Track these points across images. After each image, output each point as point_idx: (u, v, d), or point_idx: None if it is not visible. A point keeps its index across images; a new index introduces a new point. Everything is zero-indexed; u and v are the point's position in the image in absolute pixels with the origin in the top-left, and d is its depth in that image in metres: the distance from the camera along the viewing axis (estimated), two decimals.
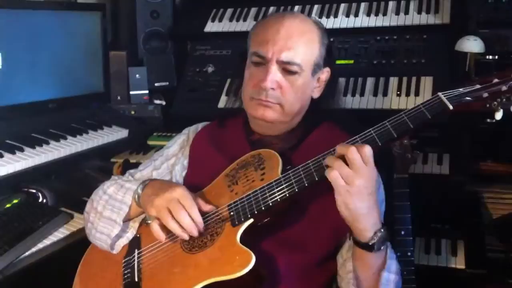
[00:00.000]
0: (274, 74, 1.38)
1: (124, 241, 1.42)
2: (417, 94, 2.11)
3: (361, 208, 1.17)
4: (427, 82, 2.14)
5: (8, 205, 1.82)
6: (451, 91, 1.21)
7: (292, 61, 1.38)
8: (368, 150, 1.17)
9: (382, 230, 1.21)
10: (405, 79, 2.18)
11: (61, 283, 1.53)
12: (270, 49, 1.38)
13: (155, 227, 1.30)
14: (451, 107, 1.18)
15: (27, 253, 1.64)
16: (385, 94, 2.15)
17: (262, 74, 1.39)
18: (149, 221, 1.30)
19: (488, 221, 2.03)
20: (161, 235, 1.30)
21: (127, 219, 1.44)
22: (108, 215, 1.42)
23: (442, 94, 1.20)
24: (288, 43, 1.38)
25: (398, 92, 2.14)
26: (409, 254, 1.70)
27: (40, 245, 1.69)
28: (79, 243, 1.66)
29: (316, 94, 1.48)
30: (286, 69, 1.39)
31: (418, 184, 1.87)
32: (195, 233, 1.27)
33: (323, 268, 1.37)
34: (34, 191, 1.93)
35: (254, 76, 1.42)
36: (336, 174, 1.16)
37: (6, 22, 2.00)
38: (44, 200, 1.93)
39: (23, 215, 1.77)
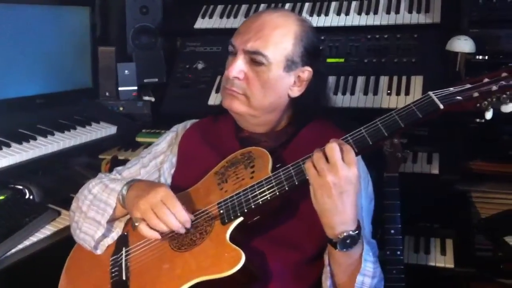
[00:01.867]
0: (239, 63, 1.39)
1: (109, 241, 1.41)
2: (407, 93, 2.11)
3: (328, 203, 1.16)
4: (417, 82, 2.14)
5: None
6: (441, 90, 1.21)
7: (257, 51, 1.37)
8: (350, 149, 1.17)
9: (352, 232, 1.19)
10: (395, 78, 2.18)
11: (48, 280, 1.50)
12: (239, 39, 1.39)
13: (145, 229, 1.28)
14: (441, 106, 1.18)
15: (13, 251, 1.62)
16: (375, 93, 2.15)
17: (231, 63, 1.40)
18: (136, 224, 1.29)
19: (477, 220, 2.03)
20: (154, 234, 1.29)
21: (112, 219, 1.42)
22: (92, 216, 1.41)
23: (433, 93, 1.20)
24: (257, 34, 1.38)
25: (389, 91, 2.14)
26: (398, 253, 1.71)
27: (26, 242, 1.67)
28: (66, 240, 1.63)
29: (295, 93, 1.44)
30: (253, 59, 1.38)
31: (408, 183, 1.87)
32: (182, 231, 1.27)
33: (315, 266, 1.36)
34: (21, 187, 1.90)
35: (227, 66, 1.43)
36: (309, 164, 1.18)
37: None
38: (31, 197, 1.90)
39: (9, 212, 1.74)
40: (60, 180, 2.08)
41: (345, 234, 1.19)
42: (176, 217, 1.26)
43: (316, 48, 1.47)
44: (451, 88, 1.21)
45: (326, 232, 1.22)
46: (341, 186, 1.16)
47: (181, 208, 1.28)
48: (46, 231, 1.74)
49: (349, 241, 1.20)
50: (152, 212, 1.27)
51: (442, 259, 1.91)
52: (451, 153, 2.02)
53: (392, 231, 1.72)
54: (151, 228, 1.28)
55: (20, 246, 1.64)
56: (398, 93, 2.12)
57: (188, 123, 1.61)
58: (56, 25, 2.26)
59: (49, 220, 1.79)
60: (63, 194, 1.96)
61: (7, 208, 1.77)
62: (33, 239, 1.69)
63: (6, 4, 2.05)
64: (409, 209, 1.77)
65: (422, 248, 1.97)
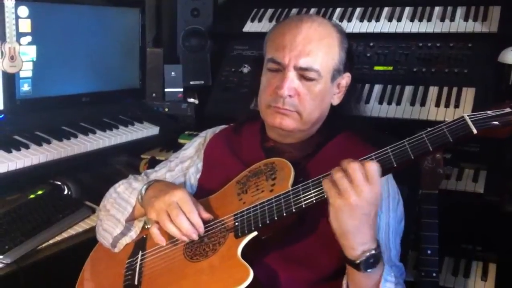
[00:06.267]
0: (292, 81, 1.33)
1: (127, 239, 1.41)
2: (457, 106, 2.00)
3: (351, 225, 1.11)
4: (468, 94, 2.02)
5: (31, 196, 1.86)
6: (478, 113, 1.12)
7: (310, 67, 1.32)
8: (372, 167, 1.10)
9: (374, 251, 1.13)
10: (445, 89, 2.07)
11: (76, 277, 1.52)
12: (287, 55, 1.32)
13: (155, 231, 1.28)
14: (475, 131, 1.09)
15: (43, 245, 1.67)
16: (423, 104, 2.05)
17: (279, 81, 1.34)
18: (148, 225, 1.28)
19: None
20: (160, 239, 1.28)
21: (131, 219, 1.43)
22: (114, 213, 1.43)
23: (468, 116, 1.11)
24: (306, 48, 1.32)
25: (437, 103, 2.03)
26: (433, 274, 1.63)
27: (58, 238, 1.71)
28: (96, 239, 1.66)
29: (336, 101, 1.42)
30: (304, 75, 1.33)
31: (452, 201, 1.77)
32: (194, 237, 1.25)
33: (330, 285, 1.30)
34: (59, 183, 1.96)
35: (270, 83, 1.37)
36: (329, 185, 1.11)
37: (43, 16, 2.04)
38: (69, 193, 1.96)
39: (44, 207, 1.80)
40: (100, 177, 2.13)
41: (367, 254, 1.13)
42: (190, 221, 1.25)
43: (352, 52, 1.44)
44: (489, 112, 1.11)
45: (347, 254, 1.15)
46: (363, 207, 1.10)
47: (196, 213, 1.26)
48: (79, 228, 1.79)
49: (372, 261, 1.14)
50: (166, 213, 1.26)
51: (481, 285, 1.79)
52: (501, 171, 1.90)
53: (429, 252, 1.64)
54: (165, 230, 1.27)
55: (51, 241, 1.69)
56: (447, 105, 2.01)
57: (218, 129, 1.60)
58: (105, 25, 2.31)
59: (83, 217, 1.83)
60: (102, 192, 1.98)
61: (43, 202, 1.83)
62: (65, 235, 1.74)
63: (57, 4, 2.12)
64: (451, 229, 1.67)
65: (461, 272, 1.86)
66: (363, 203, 1.09)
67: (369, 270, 1.14)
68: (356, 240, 1.12)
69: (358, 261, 1.13)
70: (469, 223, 1.92)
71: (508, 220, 1.88)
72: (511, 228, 1.88)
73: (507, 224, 1.88)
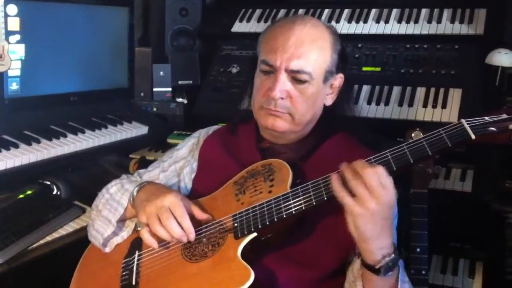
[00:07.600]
0: (283, 83, 1.33)
1: (119, 239, 1.41)
2: (444, 106, 2.03)
3: (371, 230, 1.10)
4: (455, 95, 2.06)
5: (21, 196, 1.84)
6: (475, 119, 1.14)
7: (301, 70, 1.33)
8: (383, 170, 1.11)
9: (393, 255, 1.14)
10: (432, 90, 2.11)
11: (67, 277, 1.51)
12: (279, 58, 1.33)
13: (146, 235, 1.28)
14: (473, 136, 1.12)
15: (34, 245, 1.65)
16: (410, 104, 2.08)
17: (271, 83, 1.35)
18: (139, 228, 1.28)
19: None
20: (153, 242, 1.28)
21: (123, 219, 1.43)
22: (105, 214, 1.42)
23: (466, 121, 1.14)
24: (298, 51, 1.33)
25: (425, 103, 2.06)
26: (423, 272, 1.65)
27: (48, 238, 1.70)
28: (88, 238, 1.65)
29: (329, 102, 1.43)
30: (296, 78, 1.34)
31: (439, 200, 1.80)
32: (184, 240, 1.26)
33: (328, 285, 1.31)
34: (48, 183, 1.94)
35: (263, 84, 1.38)
36: (344, 193, 1.11)
37: (32, 14, 2.01)
38: (58, 193, 1.93)
39: (34, 207, 1.78)
40: (89, 177, 2.11)
41: (387, 258, 1.13)
42: (182, 226, 1.25)
43: (345, 53, 1.45)
44: (486, 118, 1.14)
45: (366, 259, 1.15)
46: (383, 212, 1.10)
47: (187, 218, 1.26)
48: (69, 228, 1.77)
49: (391, 264, 1.15)
50: (157, 217, 1.26)
51: (469, 282, 1.83)
52: (487, 171, 1.94)
53: (418, 250, 1.65)
54: (154, 233, 1.27)
55: (42, 242, 1.67)
56: (434, 106, 2.04)
57: (211, 129, 1.60)
58: (94, 24, 2.29)
59: (73, 217, 1.81)
60: (91, 192, 1.96)
61: (33, 202, 1.81)
62: (56, 235, 1.72)
63: (46, 2, 2.10)
64: (439, 228, 1.69)
65: (449, 269, 1.89)
66: (382, 208, 1.09)
67: (389, 274, 1.14)
68: (377, 245, 1.13)
69: (378, 266, 1.13)
70: (457, 222, 1.95)
71: (495, 219, 1.92)
72: (498, 226, 1.92)
73: (494, 223, 1.92)
